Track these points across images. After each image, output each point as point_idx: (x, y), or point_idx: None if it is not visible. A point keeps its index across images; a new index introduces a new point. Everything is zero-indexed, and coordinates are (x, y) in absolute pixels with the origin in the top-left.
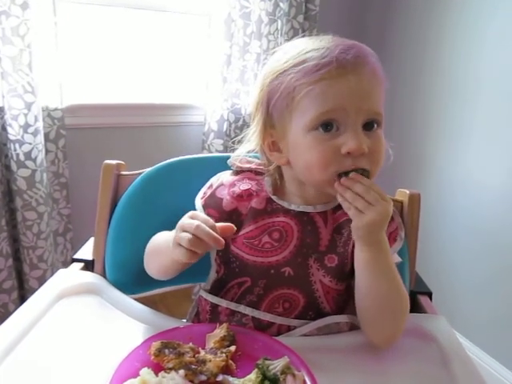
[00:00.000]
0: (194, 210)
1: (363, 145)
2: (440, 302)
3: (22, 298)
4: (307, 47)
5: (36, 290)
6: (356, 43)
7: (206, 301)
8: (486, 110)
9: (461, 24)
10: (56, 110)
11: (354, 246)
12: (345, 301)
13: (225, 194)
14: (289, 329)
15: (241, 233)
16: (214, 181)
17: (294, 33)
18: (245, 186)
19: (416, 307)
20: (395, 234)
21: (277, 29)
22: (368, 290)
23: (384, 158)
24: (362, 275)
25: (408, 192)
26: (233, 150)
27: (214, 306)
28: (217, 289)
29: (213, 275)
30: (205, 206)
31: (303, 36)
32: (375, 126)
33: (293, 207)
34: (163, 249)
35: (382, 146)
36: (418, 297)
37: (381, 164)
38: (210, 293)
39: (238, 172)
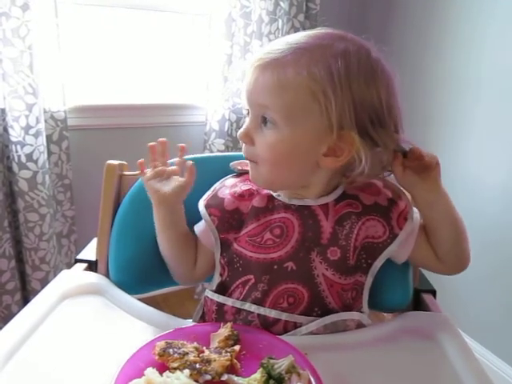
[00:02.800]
0: (197, 208)
1: (241, 133)
2: (443, 301)
3: (25, 300)
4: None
5: (38, 291)
6: (300, 42)
7: (211, 301)
8: (486, 107)
9: (461, 22)
10: (59, 111)
11: (356, 240)
12: (353, 299)
13: (226, 194)
14: (295, 326)
15: (244, 231)
16: (218, 184)
17: (294, 32)
18: (246, 186)
19: (420, 305)
20: (405, 212)
21: (277, 28)
22: (449, 219)
23: (270, 156)
24: (445, 210)
25: None
26: (234, 150)
27: (220, 306)
28: (222, 292)
29: (217, 278)
30: (207, 206)
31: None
32: (268, 123)
33: (293, 202)
34: (159, 225)
35: (266, 143)
36: (422, 295)
37: (265, 159)
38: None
39: (240, 174)
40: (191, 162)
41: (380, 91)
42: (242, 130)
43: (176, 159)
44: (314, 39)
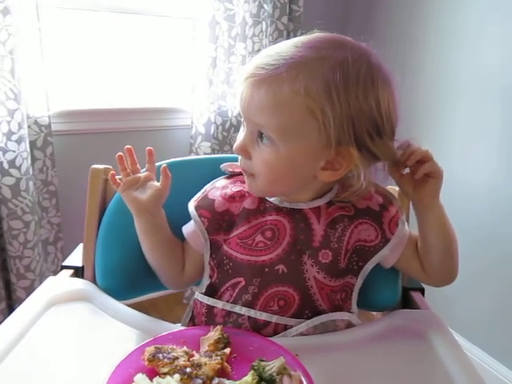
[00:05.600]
0: (185, 212)
1: (237, 147)
2: (431, 298)
3: (10, 309)
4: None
5: (23, 300)
6: (295, 55)
7: (201, 303)
8: (466, 109)
9: (441, 24)
10: (42, 117)
11: (348, 243)
12: (342, 300)
13: (217, 196)
14: (285, 328)
15: (234, 233)
16: (208, 186)
17: (278, 34)
18: (237, 188)
19: (409, 303)
20: (396, 218)
21: (261, 30)
22: (440, 234)
23: (267, 172)
24: (436, 224)
25: (398, 189)
26: (220, 152)
27: (210, 308)
28: (211, 294)
29: (206, 280)
30: (197, 208)
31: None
32: (264, 138)
33: (285, 204)
34: (141, 234)
35: (262, 159)
36: (411, 293)
37: (261, 174)
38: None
39: (231, 176)
40: (164, 165)
41: (379, 100)
42: (238, 143)
43: (147, 165)
44: (310, 51)
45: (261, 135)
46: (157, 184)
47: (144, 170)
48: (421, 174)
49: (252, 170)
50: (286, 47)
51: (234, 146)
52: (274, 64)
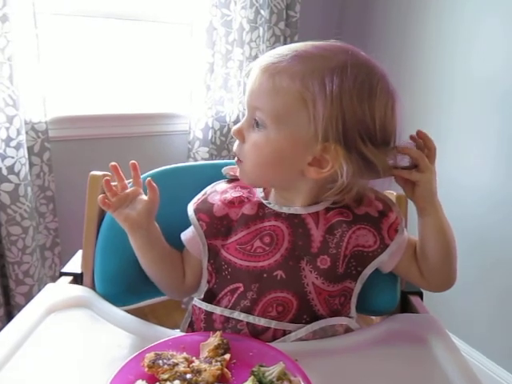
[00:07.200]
0: (184, 219)
1: (234, 130)
2: (429, 302)
3: (9, 315)
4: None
5: (22, 306)
6: (300, 50)
7: (200, 309)
8: (462, 112)
9: (436, 29)
10: (40, 122)
11: (346, 248)
12: (341, 304)
13: (216, 200)
14: (284, 333)
15: (233, 239)
16: (209, 188)
17: (275, 40)
18: (236, 193)
19: (407, 307)
20: (395, 224)
21: (258, 36)
22: (437, 237)
23: (254, 155)
24: (437, 227)
25: (395, 194)
26: (218, 158)
27: (209, 314)
28: (209, 299)
29: (204, 285)
30: (196, 211)
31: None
32: (259, 125)
33: (284, 210)
34: (138, 251)
35: (253, 142)
36: (409, 297)
37: (249, 158)
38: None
39: (232, 180)
40: (149, 179)
41: (375, 110)
42: (235, 126)
43: (132, 180)
44: (316, 49)
45: (257, 122)
46: (145, 198)
47: (130, 184)
48: (396, 175)
49: (242, 153)
50: (296, 44)
51: (232, 129)
52: (280, 54)
